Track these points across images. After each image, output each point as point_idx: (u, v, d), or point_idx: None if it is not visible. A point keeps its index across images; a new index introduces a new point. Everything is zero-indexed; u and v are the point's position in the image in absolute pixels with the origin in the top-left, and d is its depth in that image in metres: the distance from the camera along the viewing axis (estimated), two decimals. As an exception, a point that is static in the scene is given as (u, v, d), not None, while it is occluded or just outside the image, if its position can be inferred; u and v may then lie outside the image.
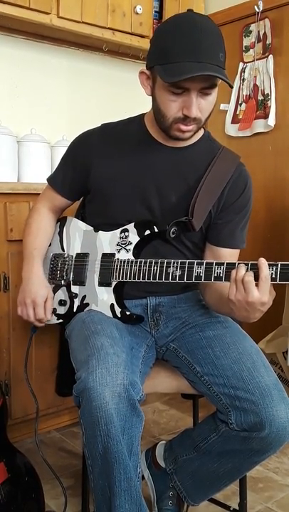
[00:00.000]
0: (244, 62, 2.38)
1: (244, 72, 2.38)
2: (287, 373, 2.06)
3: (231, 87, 1.18)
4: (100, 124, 1.42)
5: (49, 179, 1.51)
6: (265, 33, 2.29)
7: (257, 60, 2.33)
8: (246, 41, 2.37)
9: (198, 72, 1.11)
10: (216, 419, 1.24)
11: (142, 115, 1.39)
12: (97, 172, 1.36)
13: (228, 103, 2.44)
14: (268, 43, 2.29)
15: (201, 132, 1.37)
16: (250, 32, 2.35)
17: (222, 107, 2.48)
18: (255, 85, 2.33)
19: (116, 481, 1.08)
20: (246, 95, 2.37)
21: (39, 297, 1.40)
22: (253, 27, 2.34)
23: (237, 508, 1.49)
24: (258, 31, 2.31)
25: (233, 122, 2.43)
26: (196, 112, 1.19)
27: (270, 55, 2.27)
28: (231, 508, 1.54)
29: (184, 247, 1.36)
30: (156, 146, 1.34)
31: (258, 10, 2.26)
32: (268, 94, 2.28)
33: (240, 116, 2.39)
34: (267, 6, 2.25)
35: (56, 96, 2.38)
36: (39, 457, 1.52)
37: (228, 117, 2.44)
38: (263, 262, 1.09)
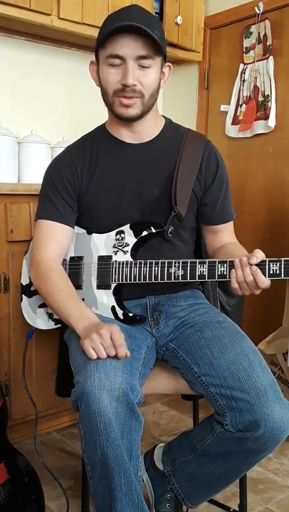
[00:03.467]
0: (244, 64, 2.38)
1: (244, 73, 2.38)
2: (288, 374, 2.06)
3: (163, 52, 1.24)
4: (84, 134, 1.45)
5: (42, 215, 1.36)
6: (265, 35, 2.30)
7: (257, 61, 2.33)
8: (247, 42, 2.38)
9: (125, 22, 1.17)
10: (213, 420, 1.24)
11: (104, 123, 1.42)
12: (82, 190, 1.37)
13: (229, 104, 2.44)
14: (268, 44, 2.29)
15: (162, 122, 1.40)
16: (251, 33, 2.35)
17: (222, 108, 2.48)
18: (255, 86, 2.33)
19: (116, 485, 1.08)
20: (246, 96, 2.37)
21: (102, 328, 1.15)
22: (253, 28, 2.34)
23: (237, 509, 1.49)
24: (259, 32, 2.31)
25: (233, 123, 2.43)
26: (132, 79, 1.22)
27: (271, 57, 2.27)
28: (231, 509, 1.54)
29: (180, 238, 1.39)
30: (124, 147, 1.36)
31: (258, 11, 2.26)
32: (268, 95, 2.28)
33: (241, 118, 2.39)
34: (267, 7, 2.25)
35: (56, 97, 2.39)
36: (39, 458, 1.53)
37: (229, 118, 2.44)
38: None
